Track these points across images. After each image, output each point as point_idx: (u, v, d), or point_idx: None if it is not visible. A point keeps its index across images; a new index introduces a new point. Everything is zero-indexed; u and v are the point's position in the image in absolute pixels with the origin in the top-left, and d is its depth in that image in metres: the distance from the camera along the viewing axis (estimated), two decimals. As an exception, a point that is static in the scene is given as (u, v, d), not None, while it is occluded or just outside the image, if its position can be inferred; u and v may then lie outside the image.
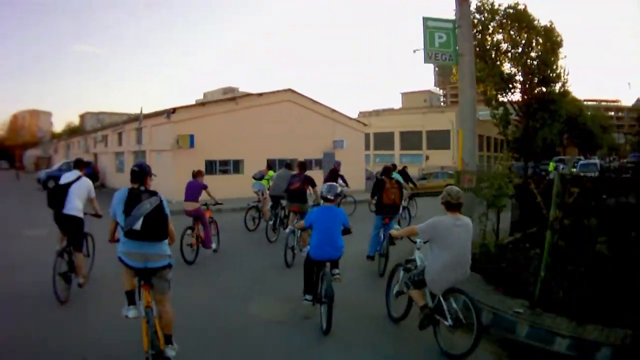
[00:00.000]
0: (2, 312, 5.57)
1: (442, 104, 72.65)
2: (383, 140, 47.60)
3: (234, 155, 19.16)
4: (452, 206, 4.43)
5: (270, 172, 12.76)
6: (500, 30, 42.75)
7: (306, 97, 23.29)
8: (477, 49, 41.95)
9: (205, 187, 8.92)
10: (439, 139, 44.13)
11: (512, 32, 41.59)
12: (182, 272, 6.66)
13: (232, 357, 4.40)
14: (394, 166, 10.27)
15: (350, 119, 27.05)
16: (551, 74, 42.77)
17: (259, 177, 12.48)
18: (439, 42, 9.54)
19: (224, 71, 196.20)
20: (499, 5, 42.30)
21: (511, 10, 40.64)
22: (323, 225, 5.37)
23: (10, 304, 5.92)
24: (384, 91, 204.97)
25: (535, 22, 42.69)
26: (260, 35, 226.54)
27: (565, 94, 44.56)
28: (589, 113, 64.76)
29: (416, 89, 69.26)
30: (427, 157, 43.61)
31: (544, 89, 43.24)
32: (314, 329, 4.92)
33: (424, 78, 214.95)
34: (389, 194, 7.94)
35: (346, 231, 5.50)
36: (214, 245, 8.99)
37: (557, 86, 44.27)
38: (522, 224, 7.98)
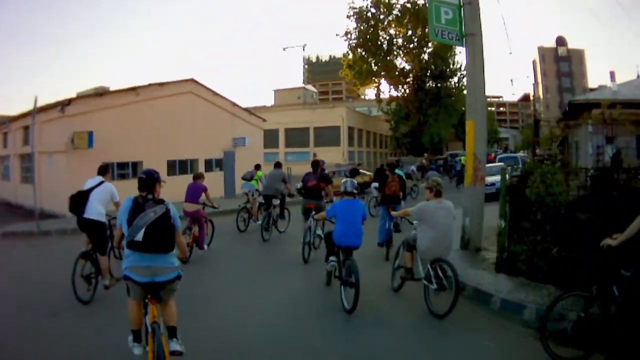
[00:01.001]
0: (24, 312, 6.83)
1: (317, 101, 79.10)
2: (268, 138, 49.82)
3: (132, 156, 19.32)
4: (437, 193, 6.72)
5: (259, 173, 15.07)
6: (394, 25, 49.35)
7: (208, 88, 24.24)
8: (369, 43, 48.34)
9: (205, 189, 10.63)
10: (327, 136, 47.64)
11: (408, 27, 48.23)
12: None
13: (267, 337, 5.75)
14: (397, 162, 13.33)
15: (250, 113, 27.80)
16: (447, 69, 50.85)
17: (249, 178, 14.52)
18: (445, 18, 9.83)
19: (95, 70, 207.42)
20: (397, 0, 48.02)
21: (409, 5, 46.97)
22: (346, 216, 7.07)
23: (31, 305, 7.14)
24: (254, 89, 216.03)
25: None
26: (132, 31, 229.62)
27: (460, 88, 53.02)
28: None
29: (289, 86, 74.96)
30: (315, 155, 46.89)
31: (439, 85, 51.13)
32: (339, 308, 6.68)
33: (294, 76, 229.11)
34: (390, 187, 10.63)
35: (363, 220, 7.23)
36: (206, 247, 10.58)
37: (454, 80, 52.63)
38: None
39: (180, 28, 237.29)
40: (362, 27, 47.55)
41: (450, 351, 5.34)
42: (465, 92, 49.54)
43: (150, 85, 20.62)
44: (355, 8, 47.39)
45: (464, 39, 10.03)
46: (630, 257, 4.48)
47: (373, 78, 49.92)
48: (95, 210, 7.32)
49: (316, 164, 11.53)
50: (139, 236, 4.20)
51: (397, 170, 11.57)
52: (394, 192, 10.71)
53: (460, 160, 36.90)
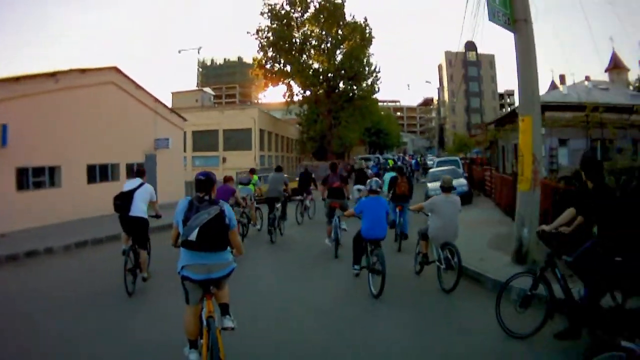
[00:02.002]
0: (83, 304, 8.03)
1: (213, 104, 78.54)
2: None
3: (51, 159, 17.12)
4: (445, 189, 8.68)
5: (255, 177, 15.84)
6: (309, 24, 49.68)
7: (131, 79, 22.93)
8: (281, 42, 48.28)
9: (234, 192, 12.03)
10: (238, 139, 47.30)
11: (324, 26, 48.65)
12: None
13: (307, 319, 7.06)
14: (400, 169, 14.77)
15: (171, 111, 26.97)
16: (362, 70, 51.93)
17: (246, 182, 15.32)
18: (498, -1, 9.38)
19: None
20: None
21: (327, 4, 47.85)
22: (372, 212, 8.51)
23: (87, 297, 8.44)
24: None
25: (349, 18, 50.59)
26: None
27: (372, 91, 54.33)
28: (382, 113, 79.80)
29: (187, 89, 76.33)
30: (224, 159, 46.49)
31: (354, 86, 52.04)
32: (367, 294, 8.05)
33: (188, 79, 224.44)
34: (400, 187, 12.73)
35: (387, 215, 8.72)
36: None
37: (369, 81, 53.77)
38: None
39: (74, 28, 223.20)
40: (275, 25, 47.76)
41: (447, 313, 7.27)
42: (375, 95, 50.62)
43: (71, 71, 18.57)
44: (270, 4, 47.70)
45: (514, 24, 9.68)
46: (575, 245, 5.59)
47: (284, 79, 49.84)
48: (139, 208, 8.66)
49: (335, 166, 13.67)
50: (193, 236, 4.67)
51: (388, 173, 15.87)
52: (404, 192, 12.78)
53: (389, 163, 37.95)
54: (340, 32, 49.65)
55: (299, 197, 17.61)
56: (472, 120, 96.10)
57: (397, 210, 12.50)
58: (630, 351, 3.53)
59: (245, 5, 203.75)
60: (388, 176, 16.22)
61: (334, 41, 49.20)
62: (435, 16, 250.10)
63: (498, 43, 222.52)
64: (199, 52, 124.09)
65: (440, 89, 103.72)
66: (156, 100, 24.86)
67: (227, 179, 12.42)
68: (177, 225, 5.02)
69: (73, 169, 18.51)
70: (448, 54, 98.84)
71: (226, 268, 4.97)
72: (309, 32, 49.38)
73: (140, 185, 8.91)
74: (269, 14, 48.04)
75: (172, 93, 64.81)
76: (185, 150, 47.24)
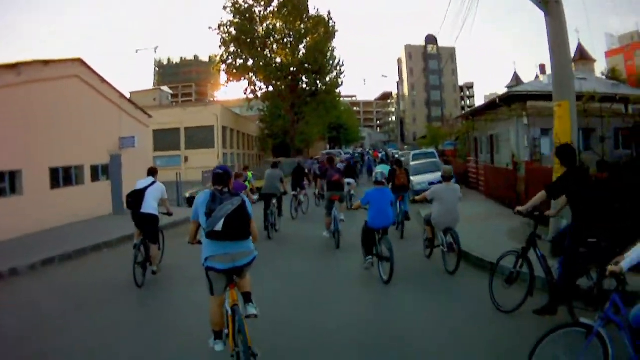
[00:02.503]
0: (92, 295, 8.54)
1: (172, 103, 77.55)
2: None
3: (11, 162, 15.39)
4: (445, 178, 9.56)
5: (249, 174, 16.09)
6: (272, 17, 48.56)
7: (96, 73, 20.26)
8: (244, 36, 47.00)
9: (245, 188, 12.12)
10: (200, 137, 46.50)
11: (288, 20, 47.76)
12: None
13: (323, 305, 7.49)
14: (398, 161, 15.36)
15: (136, 107, 24.42)
16: (326, 64, 51.12)
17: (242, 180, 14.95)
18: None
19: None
20: None
21: None
22: (378, 202, 8.95)
23: (99, 288, 8.97)
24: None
25: (312, 11, 49.89)
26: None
27: (336, 85, 53.62)
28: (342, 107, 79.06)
29: (143, 89, 76.30)
30: (187, 158, 45.71)
31: (317, 81, 51.21)
32: (377, 280, 8.57)
33: (145, 79, 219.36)
34: (399, 178, 13.79)
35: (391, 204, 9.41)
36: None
37: (332, 75, 53.00)
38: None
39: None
40: (238, 20, 46.76)
41: (451, 292, 7.92)
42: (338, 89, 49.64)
43: (34, 62, 16.86)
44: None
45: (546, 5, 9.20)
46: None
47: (247, 74, 48.61)
48: (151, 205, 9.20)
49: (332, 160, 14.92)
50: (219, 226, 4.82)
51: (381, 165, 18.15)
52: (403, 183, 13.93)
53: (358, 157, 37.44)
54: (303, 25, 48.78)
55: (293, 193, 17.60)
56: (433, 114, 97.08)
57: (398, 200, 12.95)
58: (589, 327, 3.85)
59: (204, 3, 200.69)
60: (379, 169, 16.13)
61: (297, 35, 48.43)
62: (392, 10, 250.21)
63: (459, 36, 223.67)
64: (155, 52, 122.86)
65: (400, 83, 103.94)
66: (121, 95, 23.21)
67: (238, 175, 12.55)
68: (197, 219, 5.23)
69: (35, 173, 16.75)
70: (408, 47, 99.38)
71: (249, 256, 5.13)
72: (272, 26, 48.41)
73: (153, 183, 9.52)
74: (232, 9, 46.97)
75: (130, 93, 63.19)
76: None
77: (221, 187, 5.21)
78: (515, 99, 24.78)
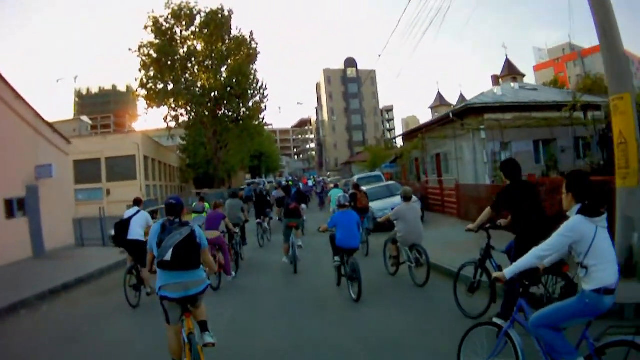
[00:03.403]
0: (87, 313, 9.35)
1: (93, 133, 74.13)
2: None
3: None
4: (406, 198, 9.96)
5: (207, 205, 15.87)
6: (193, 38, 46.19)
7: (9, 85, 16.79)
8: (164, 58, 44.13)
9: (224, 218, 12.10)
10: (122, 168, 43.32)
11: (210, 41, 45.57)
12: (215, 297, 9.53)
13: (300, 315, 8.17)
14: (357, 185, 16.90)
15: (54, 131, 21.40)
16: (248, 88, 49.05)
17: (201, 210, 14.77)
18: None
19: None
20: (200, 9, 45.83)
21: (217, 16, 45.22)
22: (344, 224, 9.36)
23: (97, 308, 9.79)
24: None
25: (235, 31, 47.96)
26: None
27: (259, 109, 51.58)
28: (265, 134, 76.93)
29: (63, 118, 70.74)
30: (109, 191, 42.44)
31: (241, 104, 48.98)
32: (346, 299, 8.85)
33: (65, 109, 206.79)
34: (361, 202, 14.86)
35: (358, 226, 9.58)
36: (233, 273, 11.84)
37: (256, 99, 50.97)
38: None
39: None
40: (159, 41, 44.10)
41: (422, 304, 8.14)
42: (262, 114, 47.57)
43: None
44: (155, 16, 44.32)
45: None
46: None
47: (167, 99, 45.73)
48: (136, 232, 9.99)
49: (287, 188, 17.51)
50: (168, 256, 5.04)
51: (335, 190, 19.81)
52: (364, 205, 15.02)
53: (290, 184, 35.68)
54: (225, 47, 46.72)
55: (257, 221, 17.65)
56: (355, 138, 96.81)
57: (361, 221, 13.06)
58: (499, 327, 4.35)
59: (127, 29, 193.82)
60: (334, 193, 18.50)
61: (219, 56, 46.19)
62: (305, 37, 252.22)
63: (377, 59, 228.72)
64: (75, 81, 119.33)
65: (319, 108, 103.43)
66: (37, 115, 19.85)
67: (217, 205, 12.77)
68: (152, 250, 5.43)
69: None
70: (327, 71, 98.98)
71: (201, 285, 5.30)
72: (193, 48, 45.98)
73: (137, 212, 10.33)
74: (153, 28, 44.17)
75: (50, 123, 58.92)
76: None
77: (173, 218, 5.40)
78: (470, 112, 23.62)
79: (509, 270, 4.15)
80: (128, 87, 47.10)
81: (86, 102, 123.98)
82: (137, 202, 10.91)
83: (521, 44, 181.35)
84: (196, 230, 5.29)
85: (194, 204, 16.57)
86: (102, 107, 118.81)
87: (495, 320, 4.48)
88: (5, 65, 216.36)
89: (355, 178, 27.03)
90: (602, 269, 3.87)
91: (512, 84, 29.65)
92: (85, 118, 76.20)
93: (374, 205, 17.60)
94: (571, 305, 3.98)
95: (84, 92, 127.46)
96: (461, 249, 10.97)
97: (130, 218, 10.21)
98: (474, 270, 7.01)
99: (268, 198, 19.92)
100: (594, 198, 4.04)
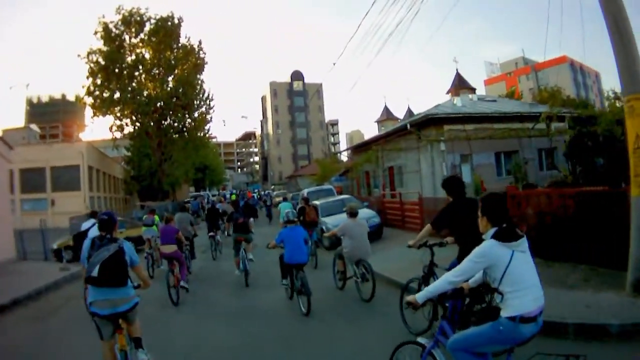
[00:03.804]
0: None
1: (41, 142, 71.02)
2: None
3: None
4: (352, 214, 9.91)
5: (157, 217, 16.10)
6: (142, 45, 44.74)
7: None
8: (112, 66, 42.62)
9: (177, 232, 12.18)
10: (66, 178, 41.87)
11: (158, 48, 44.32)
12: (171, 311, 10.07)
13: (251, 329, 8.27)
14: (306, 199, 17.49)
15: None
16: (194, 98, 47.71)
17: (150, 223, 15.40)
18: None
19: None
20: (150, 16, 44.47)
21: (166, 24, 44.06)
22: (292, 240, 9.49)
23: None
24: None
25: (184, 40, 46.82)
26: None
27: (204, 121, 50.30)
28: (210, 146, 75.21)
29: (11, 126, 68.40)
30: (53, 202, 41.00)
31: (187, 115, 47.67)
32: (296, 313, 9.04)
33: (17, 117, 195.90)
34: (309, 215, 15.43)
35: (305, 241, 9.77)
36: (186, 285, 11.62)
37: (202, 110, 49.72)
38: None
39: None
40: (107, 47, 42.44)
41: (368, 319, 8.27)
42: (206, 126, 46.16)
43: None
44: (105, 22, 42.58)
45: None
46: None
47: (113, 108, 43.89)
48: None
49: (236, 204, 16.41)
50: (95, 272, 5.12)
51: (284, 203, 21.27)
52: (313, 218, 15.56)
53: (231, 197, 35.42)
54: (173, 55, 45.38)
55: (210, 234, 18.04)
56: (299, 152, 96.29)
57: (310, 234, 13.93)
58: (423, 345, 4.34)
59: (78, 38, 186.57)
60: (283, 207, 19.62)
61: (166, 65, 44.80)
62: (250, 50, 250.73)
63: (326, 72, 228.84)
64: (27, 88, 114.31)
65: (265, 121, 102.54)
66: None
67: (169, 219, 12.73)
68: (84, 264, 5.49)
69: None
70: (273, 84, 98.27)
71: (129, 302, 5.38)
72: (141, 56, 44.47)
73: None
74: (102, 34, 42.41)
75: (2, 130, 55.95)
76: (13, 192, 39.99)
77: (104, 233, 5.46)
78: (429, 124, 23.39)
79: (421, 295, 4.10)
80: (77, 97, 44.52)
81: (36, 110, 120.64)
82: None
83: (471, 59, 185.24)
84: (126, 248, 5.38)
85: (144, 216, 16.68)
86: (51, 116, 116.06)
87: (419, 340, 4.49)
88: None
89: (306, 192, 26.24)
90: (518, 296, 3.75)
91: (470, 96, 29.51)
92: (34, 126, 72.91)
93: (329, 220, 17.27)
94: (487, 331, 3.88)
95: (35, 100, 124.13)
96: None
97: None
98: (416, 287, 7.03)
99: (220, 211, 20.53)
100: (509, 222, 3.97)
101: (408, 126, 23.71)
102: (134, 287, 6.29)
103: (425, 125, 23.34)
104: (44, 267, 16.65)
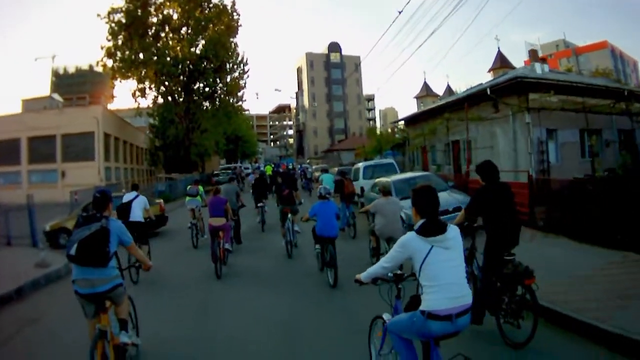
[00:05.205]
0: None
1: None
2: (5, 151, 37.37)
3: None
4: (385, 193, 9.89)
5: (201, 188, 16.48)
6: (168, 3, 40.22)
7: None
8: (135, 24, 38.37)
9: (226, 202, 12.04)
10: (79, 147, 37.37)
11: (186, 7, 39.87)
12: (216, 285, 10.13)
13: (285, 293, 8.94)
14: (343, 173, 17.24)
15: None
16: (228, 60, 43.19)
17: (194, 194, 15.71)
18: None
19: None
20: None
21: None
22: (323, 214, 9.81)
23: None
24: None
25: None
26: None
27: (238, 86, 45.86)
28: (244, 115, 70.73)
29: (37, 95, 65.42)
30: (64, 173, 36.72)
31: (217, 79, 43.24)
32: (325, 284, 9.31)
33: (43, 88, 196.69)
34: (348, 188, 15.14)
35: (337, 216, 9.98)
36: (230, 247, 11.85)
37: (235, 75, 45.28)
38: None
39: None
40: (130, 6, 38.19)
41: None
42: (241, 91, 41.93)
43: None
44: None
45: None
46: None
47: (136, 70, 39.84)
48: (137, 214, 11.01)
49: (283, 174, 18.42)
50: (73, 250, 4.89)
51: (325, 175, 21.33)
52: (351, 191, 15.37)
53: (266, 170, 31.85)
54: (203, 15, 40.96)
55: (259, 204, 17.43)
56: (336, 126, 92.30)
57: (347, 206, 14.67)
58: (384, 321, 4.44)
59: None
60: (326, 179, 19.26)
61: (196, 25, 40.48)
62: (283, 21, 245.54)
63: (364, 44, 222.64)
64: (53, 60, 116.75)
65: (300, 93, 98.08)
66: None
67: (217, 191, 12.50)
68: None
69: None
70: (309, 55, 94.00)
71: (108, 283, 5.08)
72: (168, 15, 40.17)
73: (137, 196, 11.33)
74: None
75: (22, 100, 53.36)
76: (20, 163, 36.61)
77: (94, 212, 5.23)
78: (510, 91, 18.68)
79: (363, 275, 4.33)
80: (104, 67, 40.31)
81: (63, 81, 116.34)
82: (135, 187, 12.06)
83: (511, 40, 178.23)
84: (112, 227, 5.10)
85: (188, 187, 16.54)
86: (78, 87, 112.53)
87: (384, 315, 4.56)
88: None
89: (362, 165, 22.25)
90: (431, 292, 3.75)
91: (537, 64, 24.21)
92: (56, 96, 69.68)
93: (404, 203, 12.24)
94: (405, 319, 3.97)
95: (61, 71, 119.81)
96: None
97: (130, 201, 11.06)
98: None
99: (267, 182, 20.25)
100: (433, 216, 3.93)
101: (488, 91, 18.78)
102: (119, 269, 5.72)
103: (506, 93, 18.65)
104: (20, 258, 12.80)
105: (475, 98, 20.11)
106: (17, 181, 36.70)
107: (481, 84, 25.39)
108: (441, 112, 22.91)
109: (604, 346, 5.36)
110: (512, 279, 5.48)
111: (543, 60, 25.65)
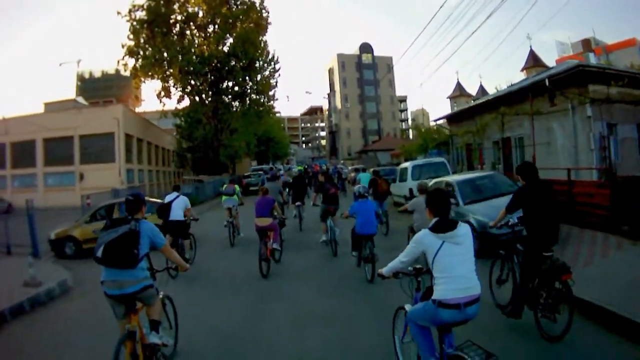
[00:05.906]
0: None
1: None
2: (20, 154, 36.40)
3: None
4: (421, 192, 9.92)
5: (237, 187, 16.73)
6: (193, 1, 38.65)
7: None
8: (158, 21, 36.96)
9: (274, 202, 11.80)
10: (98, 148, 35.86)
11: (212, 4, 38.37)
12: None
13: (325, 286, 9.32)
14: (377, 172, 17.62)
15: None
16: (259, 58, 41.26)
17: (231, 193, 16.04)
18: None
19: None
20: None
21: None
22: (363, 213, 9.91)
23: None
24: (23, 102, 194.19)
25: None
26: None
27: (269, 85, 44.11)
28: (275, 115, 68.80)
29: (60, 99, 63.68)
30: (82, 176, 35.33)
31: (247, 77, 41.59)
32: (362, 279, 9.61)
33: (68, 93, 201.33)
34: (382, 186, 15.75)
35: (376, 215, 10.17)
36: (279, 247, 11.71)
37: (265, 73, 43.62)
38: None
39: None
40: (151, 3, 36.90)
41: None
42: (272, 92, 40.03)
43: None
44: None
45: None
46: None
47: (160, 69, 38.47)
48: (177, 214, 11.56)
49: (328, 175, 17.25)
50: (99, 252, 4.89)
51: (362, 174, 20.32)
52: (385, 190, 15.98)
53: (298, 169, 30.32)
54: (230, 12, 39.40)
55: (297, 203, 17.13)
56: (369, 127, 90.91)
57: (380, 204, 14.79)
58: (405, 311, 4.63)
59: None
60: (364, 177, 18.93)
61: (223, 22, 38.90)
62: (313, 23, 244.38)
63: (395, 45, 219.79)
64: (78, 65, 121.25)
65: (332, 95, 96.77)
66: None
67: (265, 191, 12.16)
68: None
69: None
70: (341, 56, 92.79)
71: (136, 285, 5.02)
72: (192, 11, 38.85)
73: (177, 197, 11.94)
74: None
75: (44, 103, 53.24)
76: (35, 165, 35.57)
77: (127, 215, 5.23)
78: (569, 82, 16.84)
79: (385, 269, 4.56)
80: (125, 66, 38.93)
81: (88, 85, 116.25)
82: (176, 188, 12.75)
83: (541, 39, 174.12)
84: (142, 229, 5.05)
85: (224, 186, 16.97)
86: (104, 92, 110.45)
87: (405, 306, 4.72)
88: (10, 48, 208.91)
89: (410, 165, 20.97)
90: (442, 283, 3.97)
91: (591, 54, 22.15)
92: (81, 99, 69.02)
93: (476, 209, 11.08)
94: (421, 308, 4.21)
95: (87, 75, 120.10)
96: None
97: (171, 202, 11.69)
98: (500, 264, 6.86)
99: (306, 181, 20.17)
100: (445, 215, 4.18)
101: (547, 82, 16.90)
102: (150, 270, 5.60)
103: (564, 85, 16.83)
104: (12, 272, 11.09)
105: (532, 91, 18.35)
106: (33, 184, 35.56)
107: (512, 84, 23.49)
108: (495, 107, 20.98)
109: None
110: (549, 275, 5.55)
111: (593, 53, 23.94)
